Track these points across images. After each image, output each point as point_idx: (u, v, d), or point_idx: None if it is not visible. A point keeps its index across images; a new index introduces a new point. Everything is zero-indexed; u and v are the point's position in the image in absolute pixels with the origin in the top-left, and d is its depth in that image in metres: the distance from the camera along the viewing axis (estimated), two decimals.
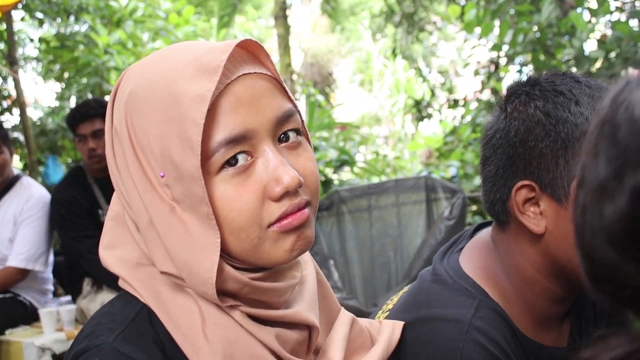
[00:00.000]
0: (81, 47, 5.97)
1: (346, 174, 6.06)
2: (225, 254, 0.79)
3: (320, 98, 8.16)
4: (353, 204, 3.73)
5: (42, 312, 3.06)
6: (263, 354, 0.81)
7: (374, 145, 8.75)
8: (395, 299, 1.20)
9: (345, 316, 0.98)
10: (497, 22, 5.05)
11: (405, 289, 1.19)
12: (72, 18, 5.92)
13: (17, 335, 3.12)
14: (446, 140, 6.09)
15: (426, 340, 1.02)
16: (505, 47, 4.85)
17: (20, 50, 6.61)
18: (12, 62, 4.75)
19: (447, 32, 12.05)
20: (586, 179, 0.57)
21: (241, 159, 0.78)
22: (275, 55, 9.43)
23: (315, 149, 5.29)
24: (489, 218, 1.17)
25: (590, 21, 4.26)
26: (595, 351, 0.55)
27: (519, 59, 4.98)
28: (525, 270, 1.06)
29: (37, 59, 6.81)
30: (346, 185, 5.19)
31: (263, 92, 0.80)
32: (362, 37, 14.68)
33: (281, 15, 9.18)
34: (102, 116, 3.11)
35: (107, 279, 3.20)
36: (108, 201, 3.32)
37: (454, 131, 5.86)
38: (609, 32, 4.36)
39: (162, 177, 0.78)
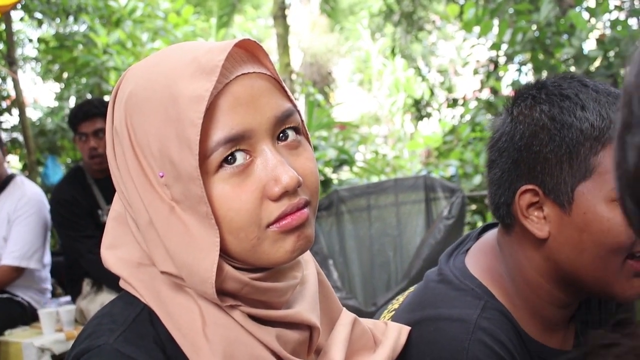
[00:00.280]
0: (80, 47, 5.97)
1: (345, 174, 6.06)
2: (225, 254, 0.79)
3: (320, 97, 8.16)
4: (352, 203, 3.73)
5: (42, 313, 3.06)
6: (263, 354, 0.80)
7: (373, 145, 8.76)
8: (401, 298, 1.20)
9: (347, 317, 0.98)
10: (496, 21, 5.06)
11: (412, 288, 1.19)
12: (71, 18, 5.93)
13: (17, 335, 3.11)
14: (445, 139, 6.09)
15: (432, 339, 1.02)
16: (504, 46, 4.86)
17: (19, 51, 6.61)
18: (11, 62, 4.75)
19: (446, 31, 12.05)
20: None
21: (240, 157, 0.78)
22: (274, 55, 9.42)
23: (315, 148, 5.28)
24: (488, 217, 1.17)
25: (589, 20, 4.26)
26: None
27: (518, 58, 4.98)
28: (529, 274, 1.06)
29: (36, 59, 6.82)
30: (345, 185, 5.19)
31: (262, 91, 0.80)
32: (361, 37, 14.70)
33: (280, 15, 9.16)
34: (104, 115, 3.11)
35: (106, 280, 3.20)
36: (107, 201, 3.32)
37: (453, 130, 5.86)
38: (608, 32, 4.37)
39: (162, 177, 0.78)
